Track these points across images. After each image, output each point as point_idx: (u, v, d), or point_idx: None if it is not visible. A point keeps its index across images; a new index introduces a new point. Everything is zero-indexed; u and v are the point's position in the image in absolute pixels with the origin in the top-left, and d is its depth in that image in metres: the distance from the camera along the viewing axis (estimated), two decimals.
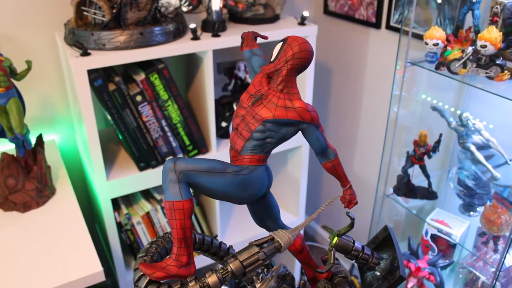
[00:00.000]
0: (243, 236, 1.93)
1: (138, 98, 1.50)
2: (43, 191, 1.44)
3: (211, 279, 0.66)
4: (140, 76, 1.50)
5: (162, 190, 1.73)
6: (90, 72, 1.38)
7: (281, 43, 0.71)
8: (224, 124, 1.77)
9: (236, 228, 1.98)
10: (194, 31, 1.48)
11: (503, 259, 1.31)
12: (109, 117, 1.52)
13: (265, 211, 0.78)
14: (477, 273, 1.59)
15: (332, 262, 0.77)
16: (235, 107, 1.74)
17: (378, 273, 0.83)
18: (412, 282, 1.72)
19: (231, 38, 1.53)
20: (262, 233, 0.83)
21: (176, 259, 0.68)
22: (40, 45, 1.66)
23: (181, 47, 1.46)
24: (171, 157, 1.60)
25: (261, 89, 0.71)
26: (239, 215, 2.06)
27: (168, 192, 0.66)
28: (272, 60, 0.71)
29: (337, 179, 0.77)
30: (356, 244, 0.82)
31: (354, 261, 0.83)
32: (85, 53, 1.33)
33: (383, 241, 0.86)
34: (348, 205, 0.78)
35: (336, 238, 0.78)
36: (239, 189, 0.71)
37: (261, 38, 0.89)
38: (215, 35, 1.52)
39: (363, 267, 0.85)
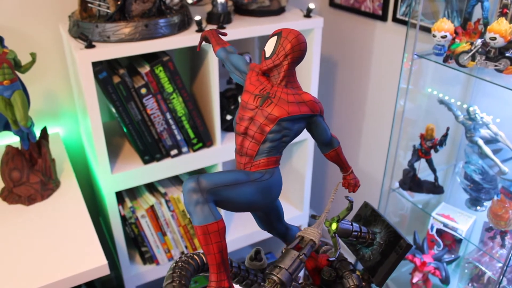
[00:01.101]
0: (247, 230, 1.92)
1: (143, 90, 1.49)
2: (48, 184, 1.44)
3: None
4: (145, 69, 1.49)
5: (166, 183, 1.74)
6: (95, 64, 1.37)
7: (275, 37, 0.68)
8: (229, 117, 1.76)
9: (240, 222, 1.97)
10: (199, 23, 1.46)
11: (510, 255, 1.30)
12: (113, 110, 1.51)
13: (274, 214, 0.77)
14: (483, 268, 1.58)
15: (338, 248, 0.76)
16: (239, 100, 1.73)
17: (377, 247, 0.82)
18: (417, 277, 1.72)
19: (237, 30, 1.51)
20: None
21: (218, 286, 0.63)
22: (45, 37, 1.65)
23: (186, 39, 1.44)
24: (176, 153, 1.60)
25: (265, 88, 0.68)
26: None
27: (197, 215, 0.60)
28: (268, 56, 0.68)
29: (339, 166, 0.78)
30: (354, 225, 0.82)
31: (353, 241, 0.83)
32: (89, 45, 1.32)
33: (367, 217, 0.86)
34: (353, 189, 0.78)
35: (336, 224, 0.78)
36: (263, 195, 0.68)
37: (221, 35, 0.85)
38: (220, 27, 1.50)
39: (356, 246, 0.85)
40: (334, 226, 0.78)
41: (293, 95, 0.68)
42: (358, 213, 0.89)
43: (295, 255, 0.66)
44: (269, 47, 0.69)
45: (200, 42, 0.85)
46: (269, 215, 0.76)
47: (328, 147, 0.75)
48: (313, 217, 0.82)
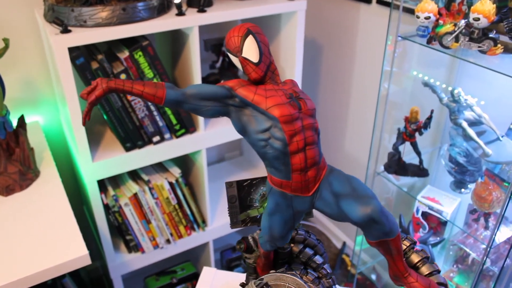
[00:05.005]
0: None
1: (122, 76, 1.45)
2: (27, 174, 1.40)
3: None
4: (124, 54, 1.45)
5: (150, 171, 1.71)
6: (72, 50, 1.33)
7: (250, 38, 0.62)
8: None
9: (226, 208, 1.96)
10: (179, 6, 1.43)
11: (493, 236, 1.31)
12: None
13: None
14: (468, 250, 1.59)
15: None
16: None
17: None
18: None
19: (218, 13, 1.48)
20: None
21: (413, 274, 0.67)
22: (20, 22, 1.60)
23: (166, 23, 1.41)
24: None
25: (283, 92, 0.63)
26: None
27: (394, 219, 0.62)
28: (258, 60, 0.62)
29: None
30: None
31: None
32: (65, 30, 1.28)
33: (243, 192, 0.83)
34: None
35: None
36: None
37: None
38: (201, 10, 1.47)
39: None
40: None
41: (294, 83, 0.66)
42: (231, 195, 0.84)
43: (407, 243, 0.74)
44: (251, 51, 0.62)
45: (92, 107, 0.61)
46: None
47: None
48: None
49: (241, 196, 0.81)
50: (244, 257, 0.84)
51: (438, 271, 0.70)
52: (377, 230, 0.61)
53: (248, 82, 0.63)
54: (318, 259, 0.82)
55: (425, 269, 0.70)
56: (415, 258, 0.71)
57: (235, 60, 0.63)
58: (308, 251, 0.82)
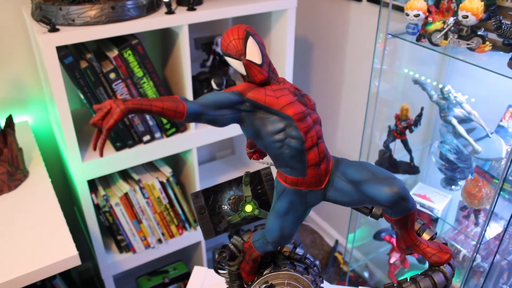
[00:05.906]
0: None
1: (112, 75, 1.44)
2: (15, 175, 1.39)
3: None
4: (113, 53, 1.44)
5: (140, 170, 1.70)
6: (60, 49, 1.32)
7: (251, 40, 0.60)
8: None
9: None
10: (168, 4, 1.42)
11: (483, 232, 1.31)
12: (82, 96, 1.47)
13: None
14: (459, 247, 1.60)
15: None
16: (213, 84, 1.70)
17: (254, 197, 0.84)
18: (395, 257, 1.73)
19: (208, 12, 1.47)
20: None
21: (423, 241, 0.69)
22: (6, 21, 1.59)
23: (155, 21, 1.40)
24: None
25: (288, 89, 0.63)
26: None
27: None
28: (262, 61, 0.61)
29: None
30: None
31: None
32: (53, 29, 1.27)
33: (210, 201, 0.83)
34: None
35: (252, 205, 0.79)
36: None
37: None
38: (191, 8, 1.46)
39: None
40: (249, 207, 0.79)
41: (290, 82, 0.67)
42: (199, 206, 0.82)
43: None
44: (254, 53, 0.60)
45: (110, 133, 0.53)
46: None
47: None
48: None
49: (209, 205, 0.81)
50: (228, 265, 0.83)
51: (436, 233, 0.72)
52: (403, 206, 0.62)
53: (255, 85, 0.62)
54: (299, 251, 0.82)
55: (426, 235, 0.72)
56: (416, 226, 0.73)
57: (236, 64, 0.61)
58: (289, 245, 0.82)
